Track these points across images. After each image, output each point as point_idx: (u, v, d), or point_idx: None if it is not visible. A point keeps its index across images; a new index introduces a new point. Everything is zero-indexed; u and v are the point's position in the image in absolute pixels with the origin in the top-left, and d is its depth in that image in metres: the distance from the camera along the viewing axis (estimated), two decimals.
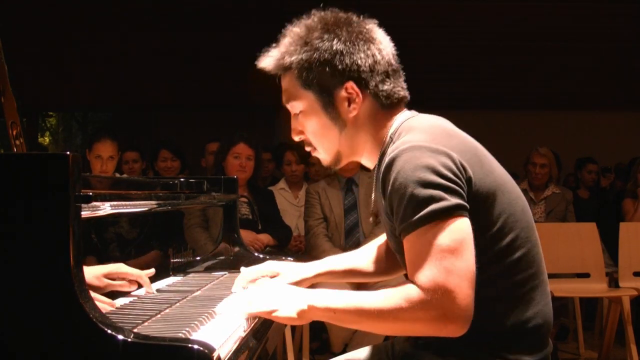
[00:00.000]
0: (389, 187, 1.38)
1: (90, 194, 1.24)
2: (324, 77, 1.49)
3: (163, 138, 6.21)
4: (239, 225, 2.49)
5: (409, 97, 1.57)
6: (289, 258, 2.44)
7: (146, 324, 1.43)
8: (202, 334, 1.33)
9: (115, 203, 1.55)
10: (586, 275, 4.22)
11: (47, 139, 14.80)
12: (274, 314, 1.43)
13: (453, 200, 1.33)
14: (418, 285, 1.31)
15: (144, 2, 7.82)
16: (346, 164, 1.64)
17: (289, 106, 1.58)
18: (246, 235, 3.39)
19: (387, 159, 1.41)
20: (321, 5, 1.57)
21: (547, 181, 4.93)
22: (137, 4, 7.81)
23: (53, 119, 15.19)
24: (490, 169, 1.45)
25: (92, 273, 1.56)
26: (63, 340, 1.14)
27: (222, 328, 1.40)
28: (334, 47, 1.48)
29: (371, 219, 1.80)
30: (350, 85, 1.49)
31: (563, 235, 4.22)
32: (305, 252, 4.23)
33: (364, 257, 1.87)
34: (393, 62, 1.54)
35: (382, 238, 1.90)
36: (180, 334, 1.28)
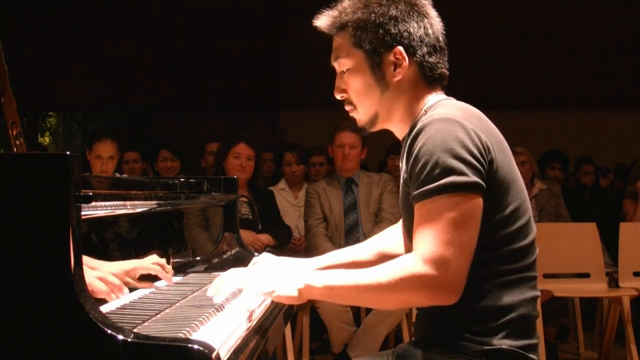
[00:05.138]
0: (415, 152, 1.44)
1: (90, 194, 1.24)
2: (376, 39, 1.57)
3: (163, 138, 6.22)
4: (239, 225, 2.49)
5: (447, 76, 1.63)
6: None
7: (146, 324, 1.43)
8: (202, 333, 1.34)
9: (115, 203, 1.56)
10: (586, 275, 4.22)
11: (47, 139, 14.80)
12: (274, 294, 1.48)
13: (473, 178, 1.39)
14: (418, 255, 1.38)
15: (144, 2, 7.82)
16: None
17: (336, 64, 1.65)
18: (246, 235, 3.39)
19: (419, 125, 1.47)
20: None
21: (531, 178, 4.91)
22: (137, 4, 7.81)
23: (53, 119, 15.19)
24: (509, 160, 1.53)
25: (121, 268, 1.59)
26: (63, 340, 1.14)
27: (222, 328, 1.40)
28: (390, 13, 1.56)
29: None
30: (399, 50, 1.56)
31: (563, 235, 4.21)
32: (305, 252, 4.23)
33: (365, 250, 1.90)
34: (441, 39, 1.62)
35: (382, 233, 1.92)
36: (180, 334, 1.28)
